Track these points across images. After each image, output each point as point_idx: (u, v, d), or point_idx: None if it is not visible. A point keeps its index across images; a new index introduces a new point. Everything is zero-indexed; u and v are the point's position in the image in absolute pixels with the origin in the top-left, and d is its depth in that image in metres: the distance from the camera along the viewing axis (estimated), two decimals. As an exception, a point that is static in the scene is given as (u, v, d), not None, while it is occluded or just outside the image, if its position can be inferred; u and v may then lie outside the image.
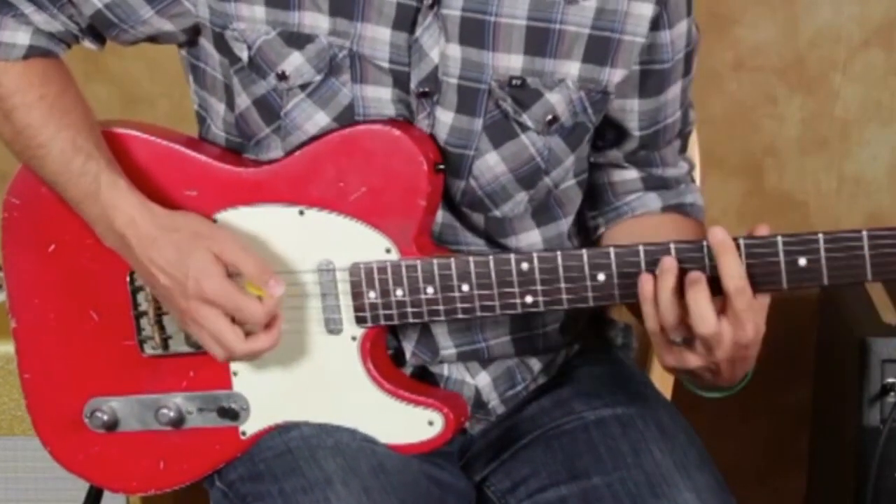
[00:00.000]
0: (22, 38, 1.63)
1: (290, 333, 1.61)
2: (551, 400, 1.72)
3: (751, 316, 1.46)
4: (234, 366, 1.64)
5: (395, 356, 1.67)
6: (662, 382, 1.83)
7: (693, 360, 1.49)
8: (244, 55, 1.61)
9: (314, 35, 1.58)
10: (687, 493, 1.56)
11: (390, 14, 1.57)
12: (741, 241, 1.47)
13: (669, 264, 1.47)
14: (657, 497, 1.56)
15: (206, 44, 1.65)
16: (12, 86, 1.62)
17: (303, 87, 1.60)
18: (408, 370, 1.68)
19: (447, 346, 1.68)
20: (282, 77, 1.60)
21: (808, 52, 2.70)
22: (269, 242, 1.61)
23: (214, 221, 1.61)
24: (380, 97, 1.59)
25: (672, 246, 1.49)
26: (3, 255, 1.71)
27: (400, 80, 1.59)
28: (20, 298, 1.70)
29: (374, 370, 1.61)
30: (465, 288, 1.56)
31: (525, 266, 1.54)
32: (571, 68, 1.60)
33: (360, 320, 1.60)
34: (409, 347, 1.67)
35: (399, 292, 1.58)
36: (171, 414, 1.66)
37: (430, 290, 1.57)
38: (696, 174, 1.82)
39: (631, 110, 1.66)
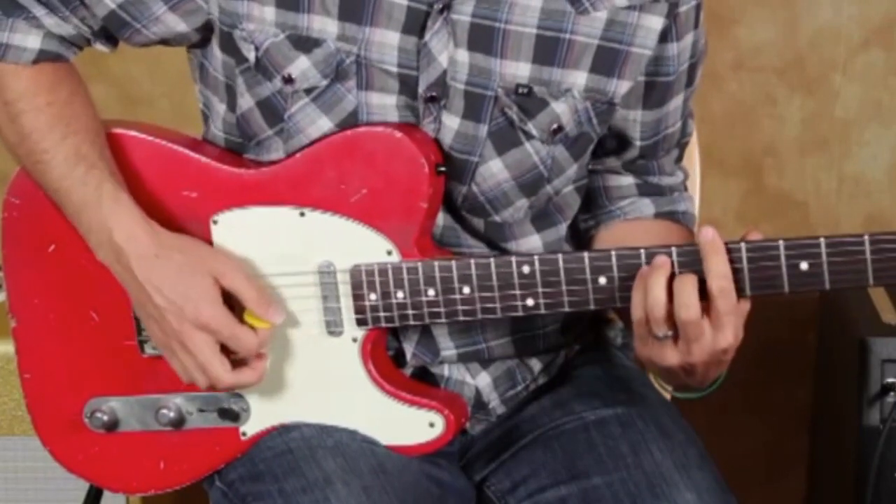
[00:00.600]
0: (33, 41, 1.62)
1: (290, 335, 1.61)
2: (551, 400, 1.72)
3: (732, 320, 1.46)
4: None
5: (395, 357, 1.67)
6: (662, 383, 1.83)
7: (671, 357, 1.49)
8: (251, 56, 1.60)
9: (322, 39, 1.58)
10: (687, 493, 1.56)
11: (400, 18, 1.56)
12: (743, 245, 1.47)
13: (664, 260, 1.48)
14: (657, 497, 1.56)
15: (212, 43, 1.64)
16: (21, 90, 1.62)
17: (308, 91, 1.60)
18: (408, 371, 1.68)
19: (448, 346, 1.68)
20: (288, 80, 1.60)
21: (808, 52, 2.70)
22: (269, 244, 1.60)
23: (215, 222, 1.61)
24: (384, 104, 1.59)
25: (674, 249, 1.49)
26: (3, 255, 1.71)
27: (407, 85, 1.59)
28: (20, 298, 1.70)
29: (375, 372, 1.61)
30: (467, 290, 1.55)
31: (526, 269, 1.54)
32: (578, 78, 1.60)
33: (360, 322, 1.59)
34: (409, 348, 1.67)
35: (400, 294, 1.57)
36: (172, 414, 1.66)
37: (431, 292, 1.57)
38: (696, 179, 1.82)
39: (634, 120, 1.66)
